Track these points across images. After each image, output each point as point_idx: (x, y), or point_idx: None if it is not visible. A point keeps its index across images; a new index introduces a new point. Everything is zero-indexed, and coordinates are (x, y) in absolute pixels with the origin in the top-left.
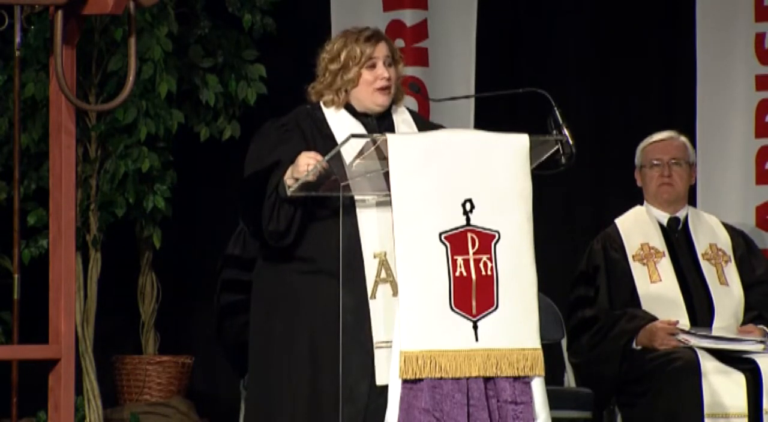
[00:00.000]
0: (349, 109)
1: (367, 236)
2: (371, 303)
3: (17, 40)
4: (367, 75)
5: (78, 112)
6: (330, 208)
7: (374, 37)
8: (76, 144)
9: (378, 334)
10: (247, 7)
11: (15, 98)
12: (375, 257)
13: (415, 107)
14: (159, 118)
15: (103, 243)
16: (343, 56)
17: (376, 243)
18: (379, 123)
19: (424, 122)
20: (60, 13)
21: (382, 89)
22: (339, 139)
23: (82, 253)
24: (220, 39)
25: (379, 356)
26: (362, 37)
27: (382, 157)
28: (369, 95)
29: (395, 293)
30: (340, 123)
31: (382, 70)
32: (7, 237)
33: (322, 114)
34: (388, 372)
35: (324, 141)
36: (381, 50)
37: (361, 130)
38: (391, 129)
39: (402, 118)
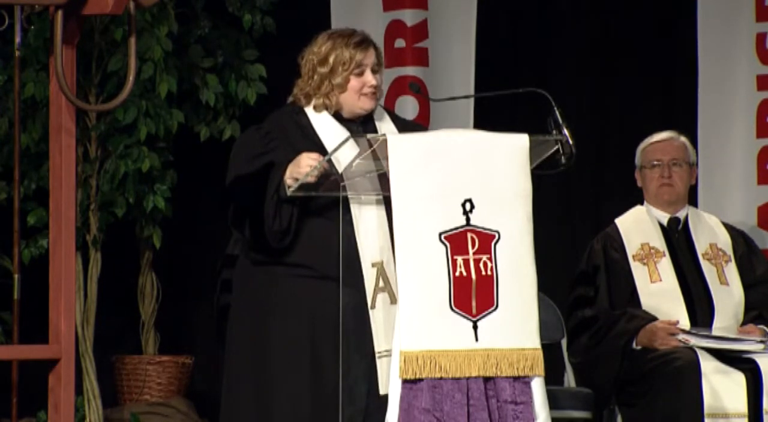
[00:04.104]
0: (334, 113)
1: (364, 245)
2: (371, 312)
3: (17, 40)
4: (354, 81)
5: (78, 112)
6: (325, 212)
7: (364, 42)
8: (76, 144)
9: (379, 344)
10: (247, 7)
11: (15, 98)
12: (373, 266)
13: (415, 107)
14: (159, 118)
15: (103, 243)
16: (332, 60)
17: (374, 252)
18: (363, 128)
19: (403, 122)
20: (60, 13)
21: (369, 95)
22: (326, 143)
23: (82, 253)
24: (220, 39)
25: (381, 365)
26: (352, 42)
27: (377, 158)
28: (356, 101)
29: (393, 301)
30: (326, 128)
31: (369, 78)
32: (7, 237)
33: (307, 118)
34: (389, 381)
35: (312, 147)
36: (370, 57)
37: (347, 134)
38: (375, 132)
39: (384, 121)
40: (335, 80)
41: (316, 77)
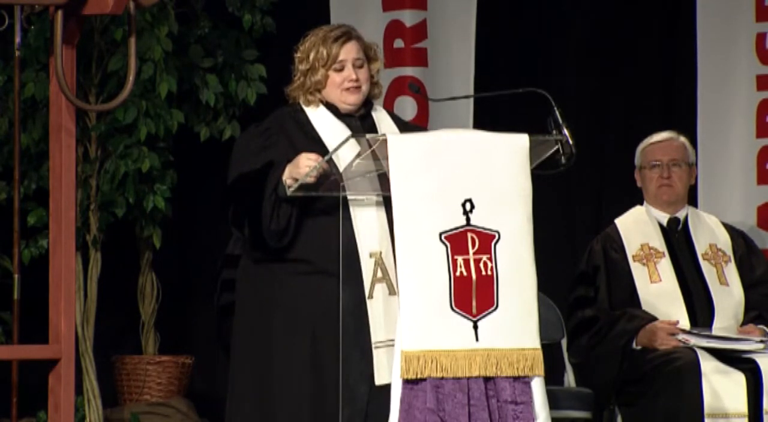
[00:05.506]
0: (332, 109)
1: (362, 236)
2: (369, 302)
3: (17, 40)
4: (335, 76)
5: (78, 112)
6: (323, 207)
7: (343, 37)
8: (76, 144)
9: (376, 334)
10: (247, 7)
11: (15, 98)
12: (371, 257)
13: (414, 107)
14: (159, 118)
15: (103, 243)
16: (311, 57)
17: (372, 242)
18: (361, 123)
19: (403, 123)
20: (60, 13)
21: (350, 89)
22: (326, 140)
23: (82, 253)
24: (220, 39)
25: (378, 356)
26: (330, 38)
27: (377, 158)
28: (338, 96)
29: (392, 292)
30: (325, 124)
31: (350, 72)
32: (7, 237)
33: (305, 116)
34: (387, 372)
35: (311, 144)
36: (349, 51)
37: (346, 131)
38: (373, 129)
39: (383, 119)
40: (314, 77)
41: (299, 75)
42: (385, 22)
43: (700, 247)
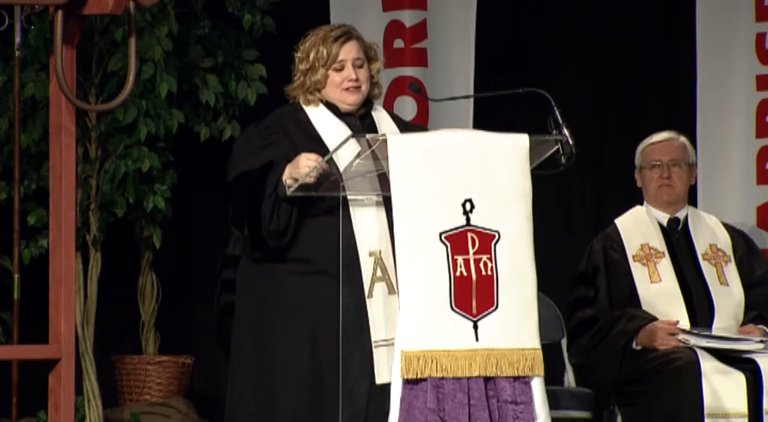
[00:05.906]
0: (332, 108)
1: (362, 235)
2: (368, 302)
3: (17, 40)
4: (334, 76)
5: (78, 112)
6: (322, 207)
7: (343, 37)
8: (76, 144)
9: (376, 333)
10: (247, 7)
11: (15, 98)
12: (370, 256)
13: (414, 107)
14: (159, 118)
15: (103, 243)
16: (311, 57)
17: (371, 241)
18: (362, 123)
19: (403, 123)
20: (60, 13)
21: (350, 89)
22: (326, 139)
23: (82, 253)
24: (220, 39)
25: (378, 355)
26: (330, 38)
27: (377, 158)
28: (338, 95)
29: (391, 291)
30: (325, 123)
31: (349, 72)
32: (7, 237)
33: (305, 115)
34: (387, 371)
35: (311, 143)
36: (350, 51)
37: (346, 130)
38: (373, 128)
39: (383, 118)
40: (314, 76)
41: (299, 74)
42: (385, 22)
43: (700, 247)
